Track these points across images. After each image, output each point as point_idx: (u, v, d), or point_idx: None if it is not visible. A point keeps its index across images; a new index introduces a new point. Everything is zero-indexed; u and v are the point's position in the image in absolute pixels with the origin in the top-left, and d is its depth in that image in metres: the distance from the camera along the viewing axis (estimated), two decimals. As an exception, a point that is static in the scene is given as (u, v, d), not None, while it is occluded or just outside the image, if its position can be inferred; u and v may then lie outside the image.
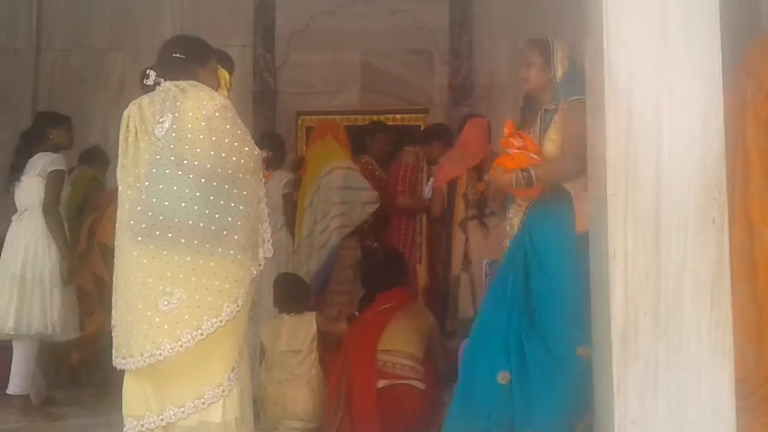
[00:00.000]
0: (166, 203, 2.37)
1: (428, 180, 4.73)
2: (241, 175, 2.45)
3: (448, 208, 4.30)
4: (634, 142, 2.09)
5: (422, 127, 5.63)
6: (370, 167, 4.74)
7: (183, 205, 2.37)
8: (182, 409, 2.38)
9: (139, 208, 2.40)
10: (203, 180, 2.38)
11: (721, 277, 2.08)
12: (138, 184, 2.43)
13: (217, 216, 2.39)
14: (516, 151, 2.81)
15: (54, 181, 3.97)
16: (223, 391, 2.40)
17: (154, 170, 2.41)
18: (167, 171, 2.39)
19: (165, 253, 2.36)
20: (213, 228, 2.38)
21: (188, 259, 2.35)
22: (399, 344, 3.54)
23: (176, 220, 2.36)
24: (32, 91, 5.73)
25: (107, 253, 4.15)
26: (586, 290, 2.64)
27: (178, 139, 2.40)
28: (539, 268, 2.78)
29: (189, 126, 2.41)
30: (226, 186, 2.41)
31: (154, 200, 2.38)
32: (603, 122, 2.12)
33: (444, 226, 4.41)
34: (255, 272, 2.50)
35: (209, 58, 2.67)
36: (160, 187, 2.39)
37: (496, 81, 5.59)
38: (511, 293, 2.80)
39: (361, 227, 4.49)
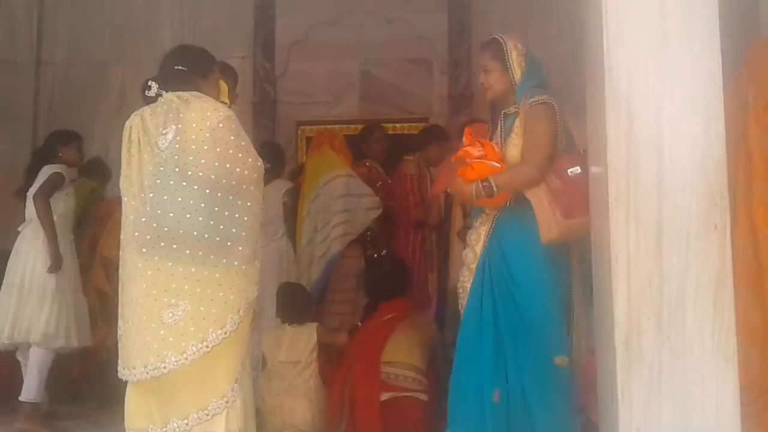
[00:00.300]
0: (171, 214, 2.37)
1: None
2: (245, 186, 2.46)
3: (446, 217, 4.28)
4: (635, 147, 2.09)
5: (421, 135, 5.62)
6: (375, 171, 4.72)
7: (188, 216, 2.37)
8: (186, 422, 2.37)
9: (143, 219, 2.40)
10: (208, 191, 2.39)
11: (724, 282, 2.07)
12: (142, 195, 2.43)
13: (221, 227, 2.39)
14: (476, 160, 2.72)
15: (50, 177, 4.04)
16: (227, 402, 2.39)
17: (158, 181, 2.41)
18: (171, 182, 2.40)
19: (170, 264, 2.36)
20: (218, 239, 2.38)
21: (193, 270, 2.35)
22: (402, 356, 3.53)
23: (181, 231, 2.36)
24: (33, 104, 5.75)
25: (109, 267, 4.18)
26: (557, 299, 2.68)
27: (182, 150, 2.41)
28: (511, 279, 2.69)
29: (193, 137, 2.41)
30: (231, 197, 2.42)
31: (159, 211, 2.38)
32: (604, 126, 2.12)
33: (441, 235, 4.39)
34: (256, 285, 2.51)
35: (211, 70, 2.68)
36: (165, 198, 2.39)
37: (495, 89, 5.59)
38: (486, 309, 2.71)
39: (364, 236, 4.47)
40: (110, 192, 4.61)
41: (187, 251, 2.35)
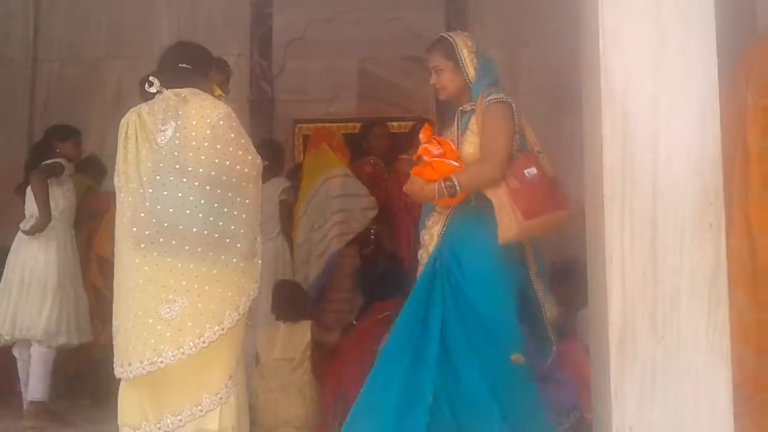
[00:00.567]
0: (171, 210, 2.38)
1: None
2: (244, 184, 2.47)
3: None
4: (630, 146, 2.09)
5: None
6: (379, 168, 4.71)
7: (188, 212, 2.37)
8: (179, 417, 2.37)
9: (142, 215, 2.40)
10: (208, 187, 2.40)
11: (718, 281, 2.08)
12: (141, 191, 2.43)
13: (221, 224, 2.40)
14: (435, 159, 2.67)
15: (48, 163, 4.05)
16: (220, 399, 2.40)
17: (157, 177, 2.41)
18: (171, 178, 2.40)
19: (168, 260, 2.36)
20: (217, 236, 2.39)
21: (191, 266, 2.36)
22: None
23: (181, 227, 2.37)
24: (29, 101, 5.72)
25: (105, 266, 4.17)
26: (511, 297, 2.66)
27: (182, 147, 2.41)
28: (463, 279, 2.65)
29: (193, 134, 2.42)
30: (230, 194, 2.43)
31: (158, 207, 2.38)
32: (599, 125, 2.12)
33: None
34: (256, 283, 2.51)
35: (211, 68, 2.71)
36: (164, 194, 2.39)
37: (492, 88, 5.60)
38: (434, 307, 2.65)
39: (368, 235, 4.47)
40: (105, 189, 4.59)
41: (186, 247, 2.36)
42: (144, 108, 2.53)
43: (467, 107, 2.78)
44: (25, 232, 3.99)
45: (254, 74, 5.80)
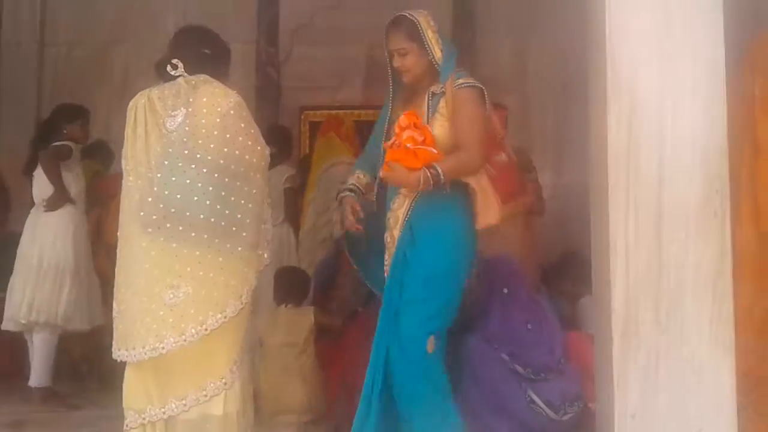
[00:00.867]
0: (179, 196, 2.37)
1: None
2: (251, 174, 2.47)
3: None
4: (636, 133, 2.08)
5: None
6: None
7: (195, 198, 2.37)
8: (184, 402, 2.38)
9: (150, 199, 2.40)
10: (216, 175, 2.39)
11: (724, 270, 2.07)
12: (149, 175, 2.42)
13: (227, 212, 2.39)
14: (419, 147, 2.56)
15: (56, 145, 4.05)
16: (225, 384, 2.40)
17: (165, 162, 2.40)
18: (180, 164, 2.39)
19: (174, 245, 2.36)
20: (223, 224, 2.38)
21: (197, 253, 2.36)
22: None
23: (188, 214, 2.36)
24: (36, 86, 5.74)
25: (111, 252, 4.19)
26: (455, 287, 2.63)
27: (191, 134, 2.40)
28: (414, 259, 2.62)
29: (203, 121, 2.40)
30: (238, 183, 2.42)
31: (166, 192, 2.38)
32: (605, 113, 2.11)
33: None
34: (257, 273, 2.51)
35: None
36: (173, 179, 2.39)
37: (498, 76, 5.56)
38: (393, 293, 2.65)
39: None
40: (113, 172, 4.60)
41: (193, 234, 2.35)
42: (154, 92, 2.51)
43: (437, 89, 2.69)
44: (45, 209, 3.99)
45: (261, 61, 5.78)
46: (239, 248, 2.41)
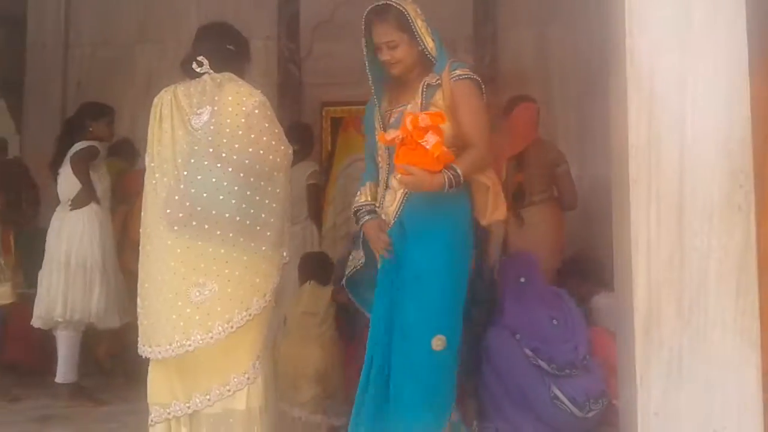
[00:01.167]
0: (204, 195, 2.39)
1: None
2: (275, 173, 2.48)
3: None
4: (656, 126, 2.05)
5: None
6: None
7: (221, 197, 2.39)
8: (208, 396, 2.41)
9: (176, 197, 2.42)
10: (241, 174, 2.41)
11: (748, 265, 2.03)
12: (176, 173, 2.44)
13: (252, 211, 2.41)
14: (444, 149, 2.41)
15: (84, 148, 4.09)
16: (248, 379, 2.43)
17: (192, 161, 2.42)
18: (205, 162, 2.41)
19: (200, 243, 2.38)
20: (248, 222, 2.40)
21: (222, 251, 2.38)
22: None
23: (213, 212, 2.38)
24: (61, 86, 5.80)
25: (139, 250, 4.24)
26: (453, 283, 2.55)
27: (217, 133, 2.41)
28: (407, 258, 2.55)
29: (228, 120, 2.42)
30: (262, 183, 2.44)
31: (193, 191, 2.40)
32: (625, 105, 2.08)
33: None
34: (279, 271, 2.53)
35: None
36: (198, 177, 2.40)
37: (520, 69, 5.52)
38: (386, 294, 2.59)
39: None
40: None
41: (218, 232, 2.37)
42: (180, 88, 2.52)
43: (432, 81, 2.59)
44: (71, 207, 4.06)
45: (282, 57, 5.78)
46: (263, 247, 2.43)
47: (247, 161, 2.41)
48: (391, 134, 2.47)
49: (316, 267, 3.81)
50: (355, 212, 2.78)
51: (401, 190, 2.59)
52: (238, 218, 2.39)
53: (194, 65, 2.51)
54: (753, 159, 2.04)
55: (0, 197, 4.37)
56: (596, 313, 3.66)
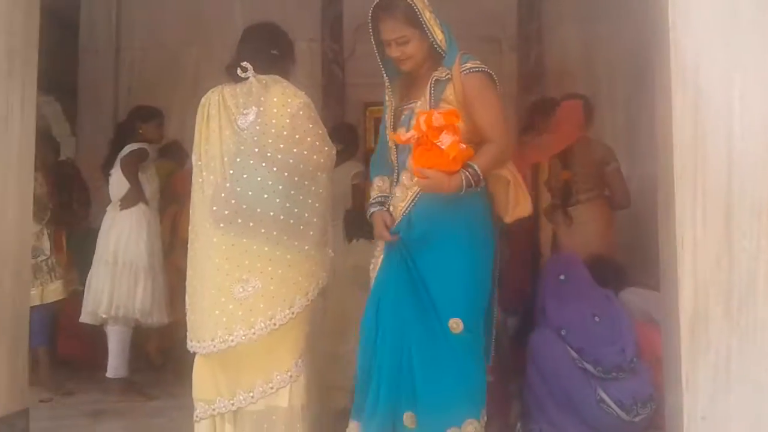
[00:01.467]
0: (250, 193, 2.43)
1: None
2: (319, 174, 2.52)
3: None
4: (702, 122, 1.99)
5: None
6: None
7: (265, 196, 2.42)
8: (251, 394, 2.44)
9: (222, 195, 2.46)
10: (286, 174, 2.44)
11: (799, 264, 1.97)
12: (222, 171, 2.48)
13: (296, 210, 2.45)
14: (463, 147, 2.33)
15: (135, 149, 4.19)
16: (290, 377, 2.45)
17: (238, 160, 2.46)
18: (251, 162, 2.45)
19: (245, 241, 2.41)
20: (292, 221, 2.44)
21: (266, 249, 2.41)
22: None
23: (258, 210, 2.42)
24: (113, 90, 5.97)
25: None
26: (481, 276, 2.47)
27: (262, 133, 2.45)
28: (415, 258, 2.46)
29: (273, 121, 2.45)
30: (306, 182, 2.47)
31: (238, 189, 2.44)
32: (670, 100, 2.03)
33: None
34: (326, 273, 2.54)
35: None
36: (244, 176, 2.44)
37: (567, 67, 5.44)
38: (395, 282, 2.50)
39: None
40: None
41: (263, 230, 2.41)
42: (226, 89, 2.56)
43: (441, 75, 2.49)
44: (121, 207, 4.17)
45: (326, 58, 5.83)
46: (306, 247, 2.46)
47: (291, 161, 2.44)
48: (407, 134, 2.41)
49: (364, 224, 3.78)
50: (367, 207, 2.75)
51: (414, 188, 2.51)
52: (282, 217, 2.42)
53: (239, 71, 2.54)
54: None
55: (53, 198, 4.49)
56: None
